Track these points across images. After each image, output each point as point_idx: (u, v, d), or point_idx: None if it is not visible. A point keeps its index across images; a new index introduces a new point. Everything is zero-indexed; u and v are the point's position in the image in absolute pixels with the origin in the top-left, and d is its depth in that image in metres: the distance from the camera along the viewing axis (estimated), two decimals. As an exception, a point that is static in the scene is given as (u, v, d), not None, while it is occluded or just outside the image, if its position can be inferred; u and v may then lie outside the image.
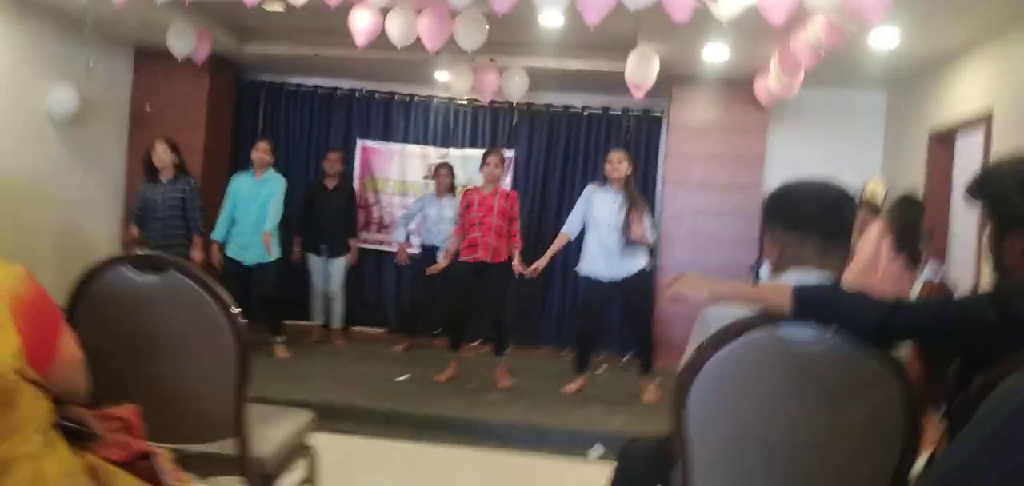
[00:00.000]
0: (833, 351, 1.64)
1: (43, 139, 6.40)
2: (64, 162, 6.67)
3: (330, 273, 6.68)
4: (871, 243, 4.68)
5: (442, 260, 5.67)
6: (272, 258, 5.98)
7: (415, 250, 6.82)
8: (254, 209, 5.87)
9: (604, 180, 5.31)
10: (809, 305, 1.63)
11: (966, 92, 5.41)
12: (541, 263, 5.40)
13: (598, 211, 5.26)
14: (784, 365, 1.67)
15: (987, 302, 1.52)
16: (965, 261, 5.69)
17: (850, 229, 1.89)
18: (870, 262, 4.69)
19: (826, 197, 1.83)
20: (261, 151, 5.96)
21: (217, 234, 5.93)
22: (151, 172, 5.71)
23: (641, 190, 5.46)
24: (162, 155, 5.65)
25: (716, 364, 1.68)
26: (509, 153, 7.53)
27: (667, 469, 1.88)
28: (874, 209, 5.42)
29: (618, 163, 5.23)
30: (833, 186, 1.86)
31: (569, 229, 5.43)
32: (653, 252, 6.44)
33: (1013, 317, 1.47)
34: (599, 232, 5.24)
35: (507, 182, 7.41)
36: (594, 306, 5.37)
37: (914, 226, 4.67)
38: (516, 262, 5.46)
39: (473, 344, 6.97)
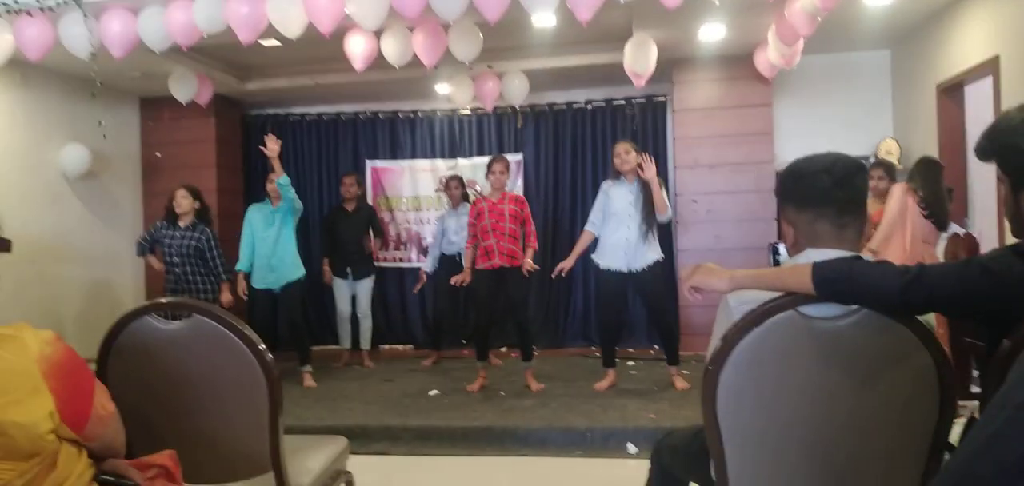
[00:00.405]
0: (860, 325, 1.62)
1: (60, 198, 6.51)
2: (82, 218, 6.77)
3: (357, 295, 6.72)
4: (896, 201, 4.71)
5: (464, 274, 5.67)
6: (297, 277, 6.03)
7: (435, 265, 6.81)
8: (271, 235, 5.93)
9: (617, 174, 5.31)
10: (831, 284, 1.60)
11: (970, 40, 5.36)
12: (568, 263, 5.41)
13: (616, 204, 5.27)
14: (811, 344, 1.65)
15: (1011, 256, 1.47)
16: (986, 212, 5.64)
17: (864, 201, 1.84)
18: (896, 222, 4.68)
19: (836, 170, 1.77)
20: (275, 182, 6.02)
21: (241, 265, 6.01)
22: (172, 216, 5.77)
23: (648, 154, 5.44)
24: (181, 201, 5.70)
25: (743, 350, 1.67)
26: (517, 157, 7.55)
27: (704, 461, 1.87)
28: (890, 169, 5.39)
29: (625, 154, 5.24)
30: (843, 158, 1.80)
31: (593, 227, 5.42)
32: (670, 236, 6.43)
33: None
34: (619, 224, 5.24)
35: (518, 185, 7.43)
36: (614, 297, 5.37)
37: (937, 188, 4.67)
38: (527, 261, 5.46)
39: (500, 350, 6.99)
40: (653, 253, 5.25)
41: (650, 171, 5.13)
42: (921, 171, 4.80)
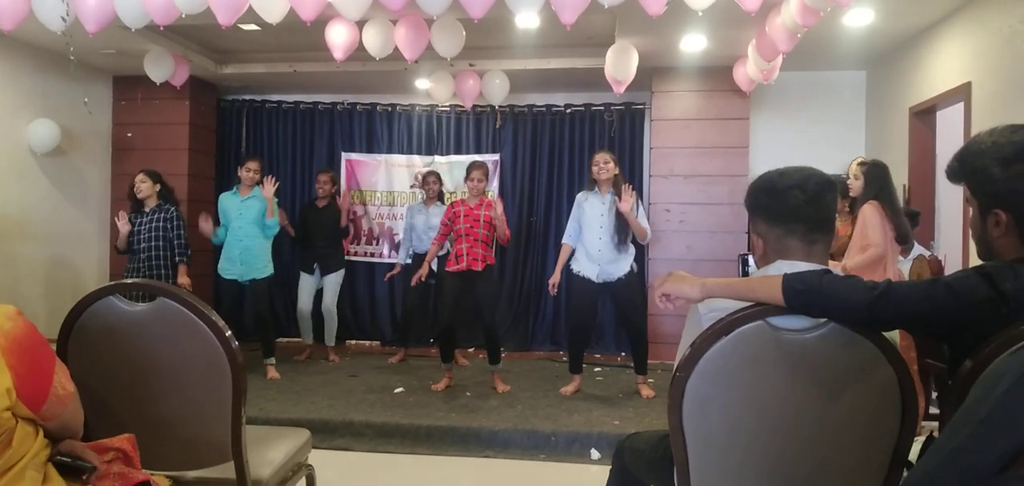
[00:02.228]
0: (826, 338, 1.64)
1: (26, 174, 6.38)
2: (49, 195, 6.65)
3: (324, 289, 6.64)
4: (878, 228, 4.30)
5: (422, 270, 5.63)
6: (266, 274, 5.97)
7: (407, 260, 6.77)
8: (242, 226, 5.87)
9: (593, 183, 5.33)
10: (801, 296, 1.61)
11: (944, 66, 5.46)
12: (556, 278, 5.42)
13: (589, 215, 5.29)
14: (778, 355, 1.66)
15: (976, 278, 1.50)
16: (952, 235, 5.74)
17: (833, 218, 1.87)
18: (883, 244, 4.30)
19: (808, 187, 1.80)
20: (252, 171, 5.95)
21: (218, 238, 6.01)
22: (136, 203, 5.70)
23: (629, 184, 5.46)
24: (141, 186, 5.63)
25: (711, 359, 1.67)
26: (494, 157, 7.54)
27: (667, 466, 1.87)
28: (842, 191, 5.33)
29: (604, 164, 5.24)
30: (814, 174, 1.83)
31: (569, 239, 5.45)
32: (641, 245, 6.46)
33: (1002, 293, 1.46)
34: (592, 234, 5.26)
35: (494, 186, 7.42)
36: (585, 303, 5.39)
37: (890, 187, 4.43)
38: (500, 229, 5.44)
39: (468, 350, 6.98)
40: (627, 263, 5.28)
41: (626, 205, 5.13)
42: (871, 174, 4.48)
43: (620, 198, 5.15)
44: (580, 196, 5.46)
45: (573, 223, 5.44)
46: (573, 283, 5.46)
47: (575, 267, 5.38)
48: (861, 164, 4.66)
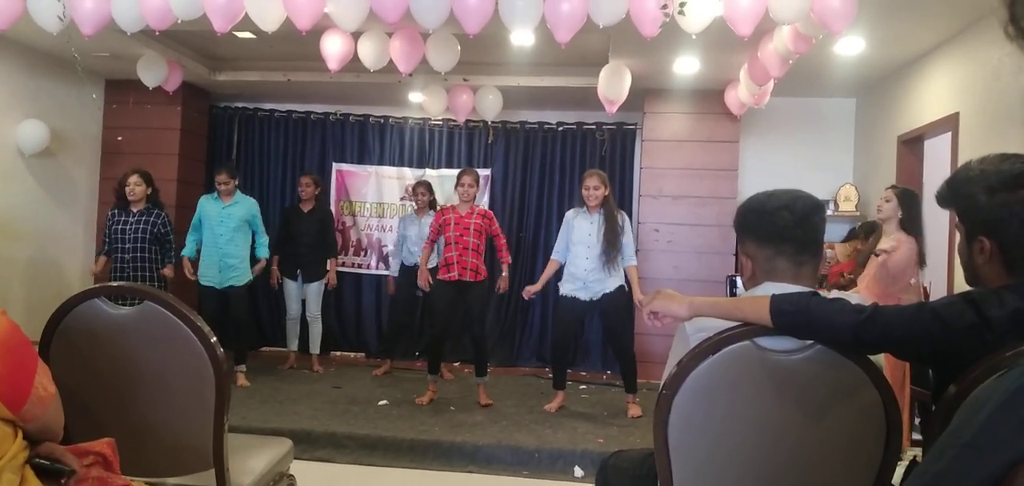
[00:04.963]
0: (812, 360, 1.64)
1: (14, 174, 6.34)
2: (35, 196, 6.60)
3: (307, 298, 6.60)
4: (907, 269, 4.42)
5: (422, 276, 5.57)
6: (245, 281, 5.94)
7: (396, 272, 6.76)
8: (223, 233, 5.82)
9: (583, 203, 5.34)
10: (788, 317, 1.62)
11: (932, 96, 5.51)
12: (535, 288, 5.47)
13: (577, 233, 5.30)
14: (764, 376, 1.67)
15: (962, 304, 1.51)
16: (936, 263, 5.76)
17: (821, 240, 1.87)
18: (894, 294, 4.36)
19: (797, 208, 1.80)
20: (222, 182, 5.87)
21: (187, 251, 5.92)
22: (123, 201, 5.66)
23: (618, 204, 5.48)
24: (135, 187, 5.59)
25: (697, 378, 1.68)
26: (486, 172, 7.55)
27: (652, 484, 1.87)
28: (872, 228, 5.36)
29: (594, 189, 5.23)
30: (804, 196, 1.84)
31: (558, 255, 5.46)
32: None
33: (987, 319, 1.47)
34: (580, 253, 5.27)
35: (484, 200, 7.42)
36: (569, 321, 5.41)
37: (921, 220, 4.52)
38: (502, 280, 5.56)
39: (454, 365, 6.96)
40: (615, 280, 5.28)
41: (638, 295, 5.14)
42: (919, 216, 4.51)
43: (608, 226, 5.19)
44: (569, 214, 5.47)
45: (562, 240, 5.45)
46: (558, 302, 5.47)
47: (562, 289, 5.39)
48: (893, 188, 4.74)
